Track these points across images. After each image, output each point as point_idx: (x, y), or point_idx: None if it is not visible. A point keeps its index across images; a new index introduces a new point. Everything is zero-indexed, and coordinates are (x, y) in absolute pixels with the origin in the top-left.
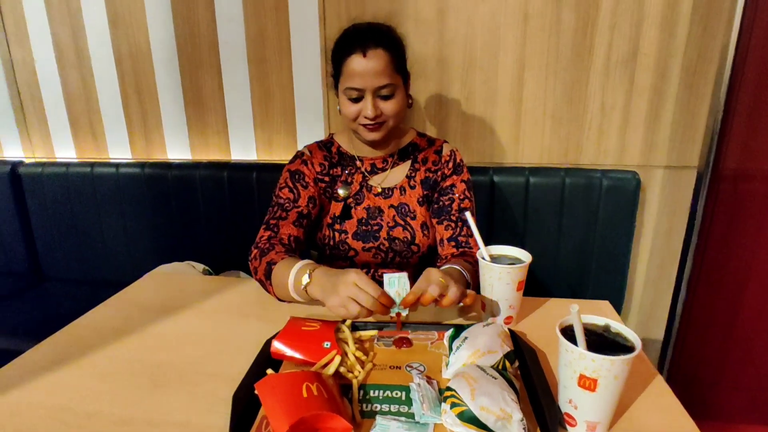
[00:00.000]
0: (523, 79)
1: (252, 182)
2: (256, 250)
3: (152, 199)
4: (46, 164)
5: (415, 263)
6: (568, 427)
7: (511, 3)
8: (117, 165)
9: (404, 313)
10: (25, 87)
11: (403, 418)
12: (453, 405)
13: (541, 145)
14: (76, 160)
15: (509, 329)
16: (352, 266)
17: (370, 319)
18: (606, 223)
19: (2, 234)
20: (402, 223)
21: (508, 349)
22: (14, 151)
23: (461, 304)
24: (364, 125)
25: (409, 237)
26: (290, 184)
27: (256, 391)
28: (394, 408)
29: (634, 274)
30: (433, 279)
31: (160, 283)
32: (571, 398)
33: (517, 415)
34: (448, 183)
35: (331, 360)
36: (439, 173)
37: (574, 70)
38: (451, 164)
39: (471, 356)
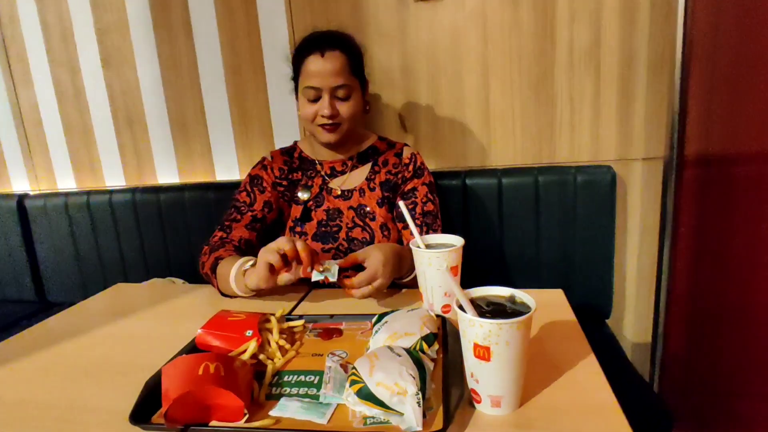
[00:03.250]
0: (488, 80)
1: None
2: (207, 247)
3: (144, 222)
4: (49, 195)
5: None
6: (475, 404)
7: (468, 6)
8: (111, 192)
9: (332, 279)
10: (30, 126)
11: (307, 399)
12: (353, 383)
13: (513, 145)
14: (75, 190)
15: (441, 316)
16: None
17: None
18: (586, 222)
19: (13, 264)
20: (361, 224)
21: (428, 332)
22: (22, 185)
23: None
24: (322, 125)
25: (368, 237)
26: (248, 188)
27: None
28: (302, 391)
29: (624, 274)
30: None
31: (121, 293)
32: (472, 371)
33: (412, 389)
34: (409, 186)
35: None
36: (399, 176)
37: (538, 65)
38: (411, 167)
39: (388, 339)
